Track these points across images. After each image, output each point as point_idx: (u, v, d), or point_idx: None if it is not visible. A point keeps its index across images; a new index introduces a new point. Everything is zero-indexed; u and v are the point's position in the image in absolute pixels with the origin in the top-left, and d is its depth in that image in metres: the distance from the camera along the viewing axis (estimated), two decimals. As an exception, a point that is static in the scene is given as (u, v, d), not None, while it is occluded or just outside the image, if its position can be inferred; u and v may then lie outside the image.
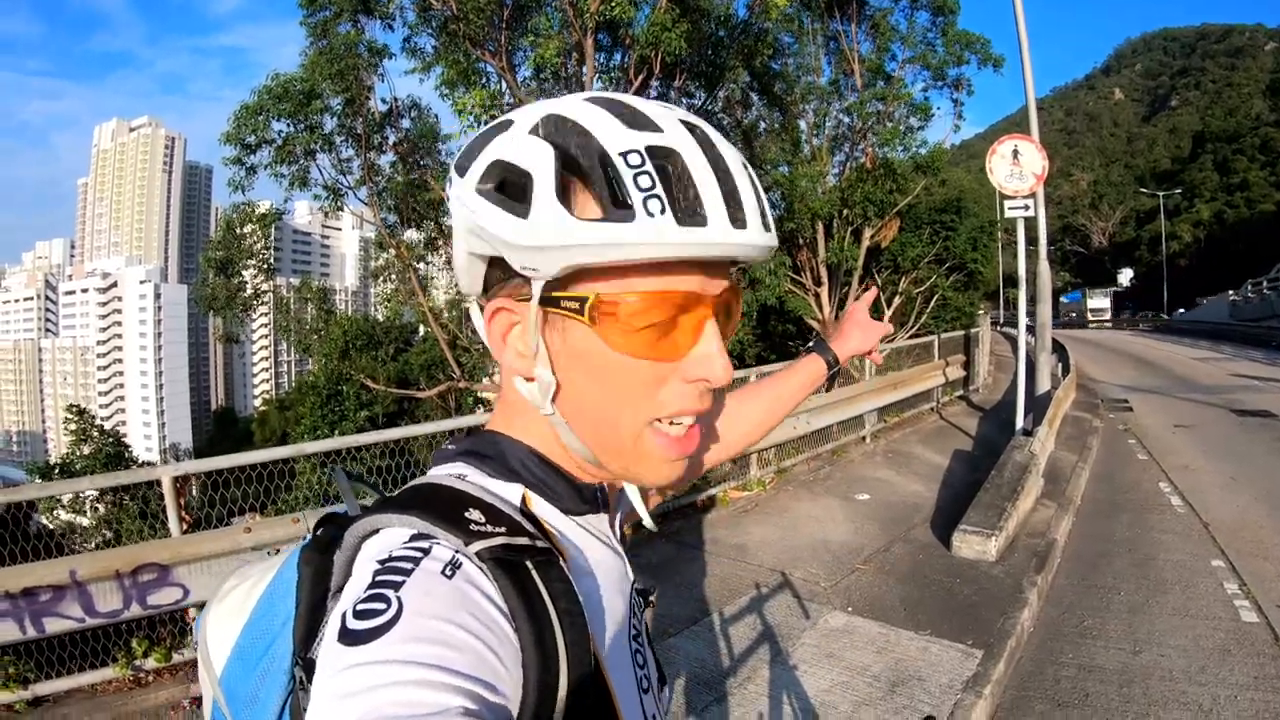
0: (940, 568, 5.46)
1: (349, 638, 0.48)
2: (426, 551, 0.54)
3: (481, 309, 0.66)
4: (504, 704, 0.49)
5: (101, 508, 9.68)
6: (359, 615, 0.49)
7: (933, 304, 17.09)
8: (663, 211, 0.54)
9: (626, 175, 0.55)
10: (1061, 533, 6.17)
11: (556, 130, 0.58)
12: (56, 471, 17.46)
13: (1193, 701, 3.73)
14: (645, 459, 0.64)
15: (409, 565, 0.53)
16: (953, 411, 12.62)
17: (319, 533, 0.67)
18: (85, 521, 9.98)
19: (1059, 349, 15.20)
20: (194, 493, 4.53)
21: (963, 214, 16.93)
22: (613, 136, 0.57)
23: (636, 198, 0.54)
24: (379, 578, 0.52)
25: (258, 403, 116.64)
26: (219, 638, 0.72)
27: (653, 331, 0.59)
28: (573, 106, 0.60)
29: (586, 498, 0.69)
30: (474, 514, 0.58)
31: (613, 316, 0.58)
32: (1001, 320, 40.64)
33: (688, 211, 0.56)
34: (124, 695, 4.03)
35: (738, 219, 0.58)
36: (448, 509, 0.58)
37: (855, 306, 1.33)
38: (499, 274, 0.63)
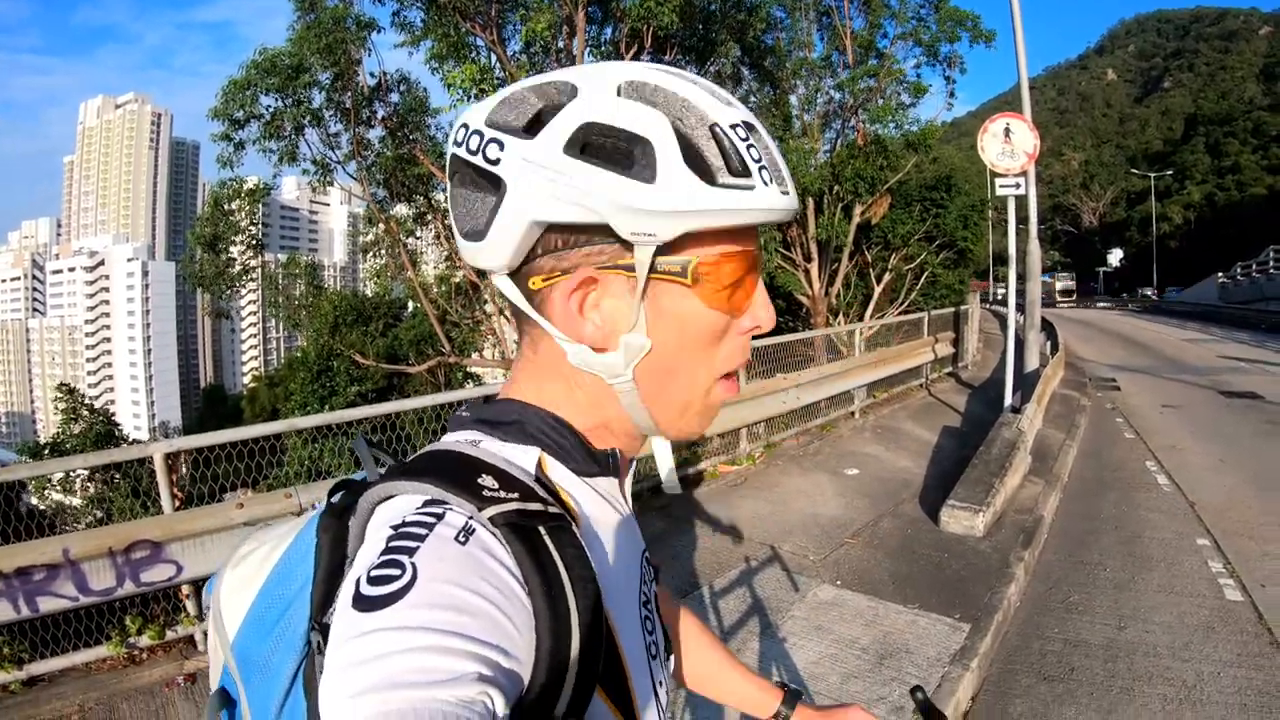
0: (928, 542, 5.51)
1: (363, 604, 0.48)
2: (440, 517, 0.54)
3: (517, 282, 0.64)
4: (517, 669, 0.50)
5: (92, 487, 9.66)
6: (373, 581, 0.49)
7: (922, 281, 17.13)
8: (767, 183, 0.60)
9: (741, 147, 0.59)
10: (1049, 509, 6.23)
11: (653, 98, 0.59)
12: (47, 451, 17.38)
13: (1176, 677, 3.78)
14: (709, 410, 0.70)
15: (423, 531, 0.52)
16: (941, 388, 12.67)
17: (335, 499, 0.67)
18: (76, 501, 9.97)
19: (1048, 327, 15.26)
20: (183, 470, 4.50)
21: (953, 192, 16.94)
22: (714, 110, 0.60)
23: (754, 168, 0.60)
24: (393, 544, 0.52)
25: (247, 379, 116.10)
26: (233, 602, 0.71)
27: (734, 289, 0.64)
28: (649, 75, 0.60)
29: (599, 460, 0.69)
30: (487, 480, 0.58)
31: (711, 278, 0.62)
32: (991, 299, 40.87)
33: (778, 180, 0.62)
34: (118, 673, 4.02)
35: (790, 188, 0.65)
36: (461, 475, 0.58)
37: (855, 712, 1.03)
38: (557, 242, 0.61)
